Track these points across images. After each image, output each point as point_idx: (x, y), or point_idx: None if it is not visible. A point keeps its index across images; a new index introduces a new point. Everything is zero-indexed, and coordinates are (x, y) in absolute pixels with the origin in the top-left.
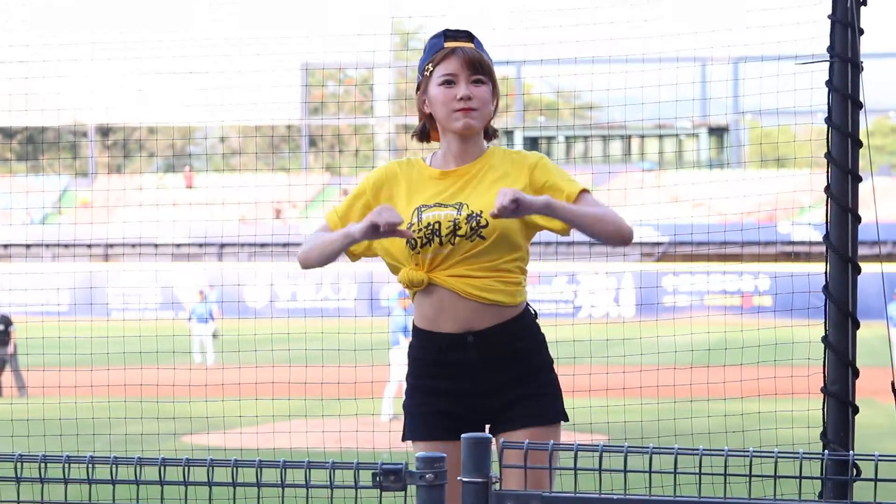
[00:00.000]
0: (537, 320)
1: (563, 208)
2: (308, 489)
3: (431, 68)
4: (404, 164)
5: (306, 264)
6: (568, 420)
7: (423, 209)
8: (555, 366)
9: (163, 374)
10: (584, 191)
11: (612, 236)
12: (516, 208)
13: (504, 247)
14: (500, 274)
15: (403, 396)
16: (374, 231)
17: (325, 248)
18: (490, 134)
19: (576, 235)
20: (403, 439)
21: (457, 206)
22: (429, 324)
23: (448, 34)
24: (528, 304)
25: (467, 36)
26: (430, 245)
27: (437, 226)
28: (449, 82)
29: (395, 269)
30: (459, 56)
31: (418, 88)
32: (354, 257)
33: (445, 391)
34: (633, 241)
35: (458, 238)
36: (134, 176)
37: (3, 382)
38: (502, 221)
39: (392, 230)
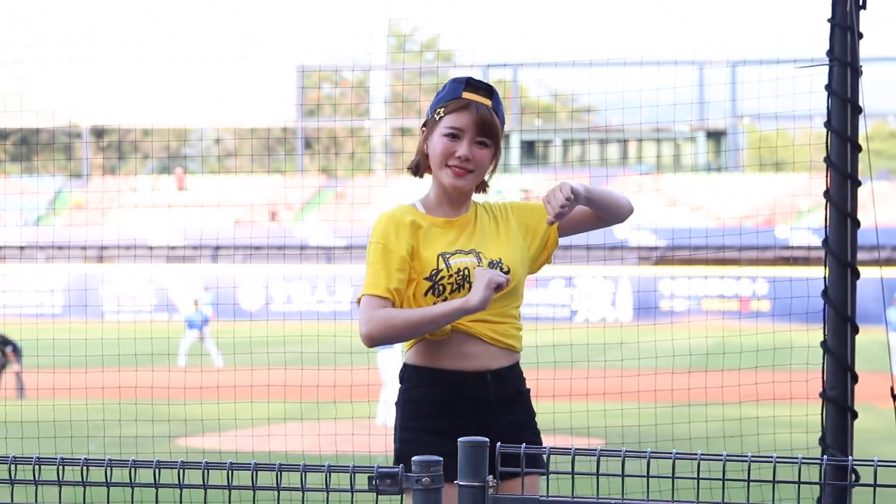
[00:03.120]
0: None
1: (594, 190)
2: (304, 492)
3: (442, 114)
4: (406, 210)
5: (379, 342)
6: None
7: (447, 256)
8: (553, 370)
9: (157, 376)
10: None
11: (627, 210)
12: (575, 199)
13: (517, 293)
14: (512, 320)
15: (395, 442)
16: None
17: (433, 321)
18: (480, 186)
19: (572, 238)
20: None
21: (475, 254)
22: (443, 363)
23: (470, 84)
24: None
25: (487, 91)
26: (461, 291)
27: (466, 272)
28: (454, 136)
29: (408, 304)
30: (472, 113)
31: (425, 125)
32: None
33: (458, 432)
34: (631, 244)
35: None
36: (128, 177)
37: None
38: (518, 270)
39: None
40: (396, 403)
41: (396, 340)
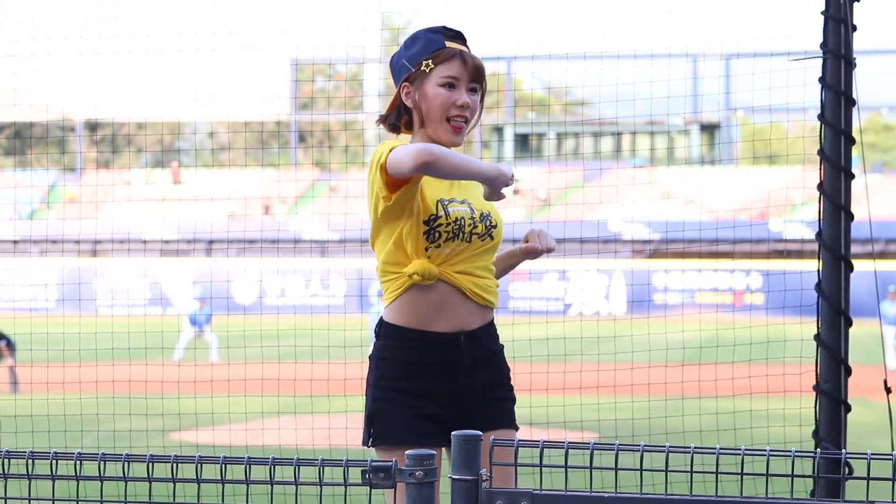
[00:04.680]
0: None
1: None
2: (297, 486)
3: (432, 65)
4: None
5: (434, 167)
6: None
7: (446, 203)
8: (546, 363)
9: (151, 370)
10: None
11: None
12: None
13: (496, 249)
14: (491, 274)
15: (367, 398)
16: (504, 181)
17: (472, 163)
18: None
19: (568, 232)
20: (370, 444)
21: (468, 205)
22: (419, 323)
23: (447, 34)
24: None
25: (463, 37)
26: (455, 241)
27: (462, 222)
28: (451, 85)
29: (399, 246)
30: (466, 60)
31: (406, 79)
32: (396, 208)
33: (432, 393)
34: (625, 238)
35: (474, 236)
36: (122, 171)
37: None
38: (500, 226)
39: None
40: (370, 358)
41: (444, 172)
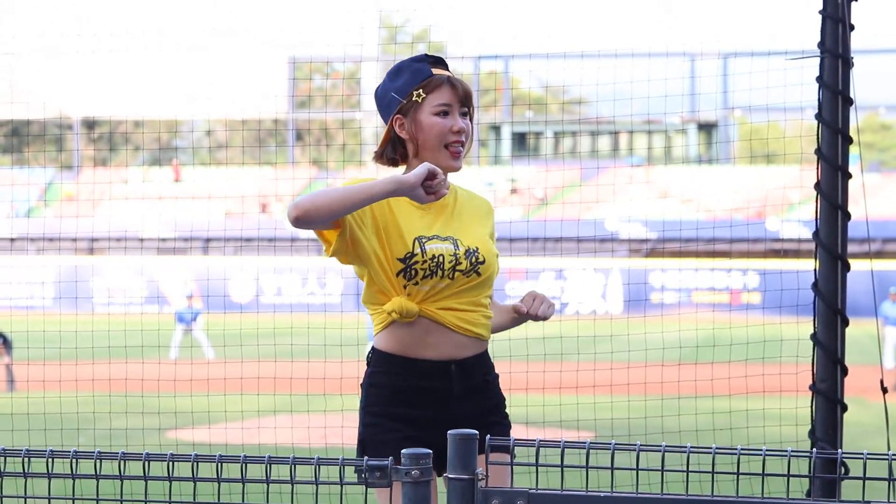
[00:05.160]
0: None
1: None
2: (293, 485)
3: (423, 94)
4: None
5: (310, 216)
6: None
7: (423, 240)
8: (542, 362)
9: (147, 368)
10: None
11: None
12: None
13: (489, 283)
14: (482, 308)
15: (359, 424)
16: (427, 178)
17: (363, 190)
18: None
19: (565, 231)
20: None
21: (452, 241)
22: (407, 351)
23: (431, 61)
24: None
25: (445, 65)
26: (433, 278)
27: (440, 259)
28: (445, 112)
29: (374, 288)
30: (455, 87)
31: (398, 112)
32: (340, 249)
33: (420, 419)
34: (622, 237)
35: (457, 273)
36: (119, 169)
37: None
38: (491, 261)
39: (431, 189)
40: (362, 385)
41: (325, 211)
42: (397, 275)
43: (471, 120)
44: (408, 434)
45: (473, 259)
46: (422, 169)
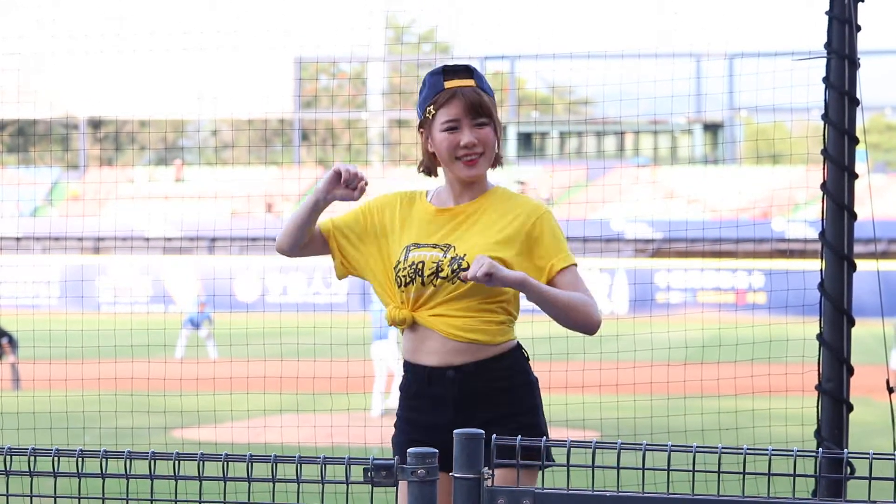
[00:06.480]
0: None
1: (536, 289)
2: (299, 484)
3: (433, 111)
4: (407, 197)
5: (281, 247)
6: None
7: (411, 248)
8: (548, 362)
9: (153, 367)
10: (570, 266)
11: (577, 326)
12: (489, 280)
13: (485, 290)
14: (482, 314)
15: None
16: (336, 180)
17: (295, 215)
18: (496, 162)
19: (571, 231)
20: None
21: (444, 248)
22: (412, 356)
23: (447, 72)
24: (519, 346)
25: (466, 71)
26: (412, 284)
27: (420, 266)
28: (452, 128)
29: (381, 296)
30: (461, 100)
31: (421, 126)
32: (342, 272)
33: (423, 424)
34: (627, 237)
35: (439, 280)
36: (125, 168)
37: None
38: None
39: (351, 185)
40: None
41: (286, 240)
42: (394, 281)
43: (493, 123)
44: (413, 437)
45: (456, 266)
46: (328, 174)
